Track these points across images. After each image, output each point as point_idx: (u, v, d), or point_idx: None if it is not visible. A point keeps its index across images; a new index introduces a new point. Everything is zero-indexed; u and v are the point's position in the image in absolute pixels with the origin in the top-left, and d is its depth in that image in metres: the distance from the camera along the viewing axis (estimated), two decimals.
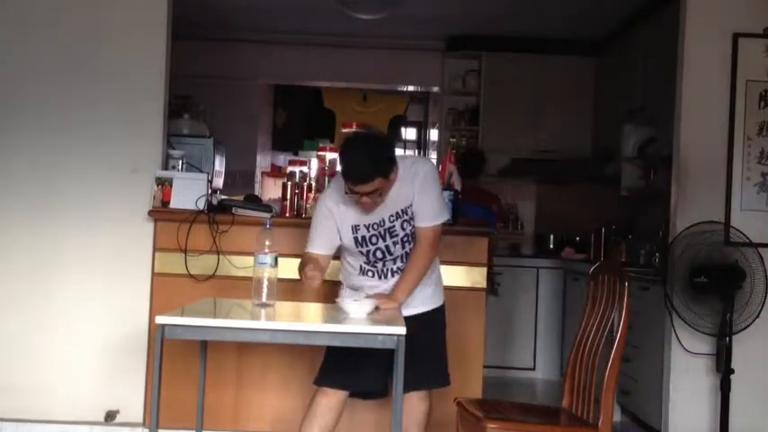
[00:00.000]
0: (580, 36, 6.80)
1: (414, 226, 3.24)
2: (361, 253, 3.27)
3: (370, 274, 3.32)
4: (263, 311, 3.00)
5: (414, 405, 3.31)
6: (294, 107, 8.73)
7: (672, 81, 4.40)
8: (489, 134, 6.97)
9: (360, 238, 3.24)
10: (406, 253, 3.28)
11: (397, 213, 3.22)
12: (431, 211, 3.25)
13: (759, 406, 4.20)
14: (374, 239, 3.24)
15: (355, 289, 3.34)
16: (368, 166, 3.01)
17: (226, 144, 5.89)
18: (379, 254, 3.26)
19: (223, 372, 4.08)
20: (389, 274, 3.31)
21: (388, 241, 3.24)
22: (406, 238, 3.25)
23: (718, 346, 3.98)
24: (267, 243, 3.07)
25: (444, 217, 3.32)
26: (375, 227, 3.22)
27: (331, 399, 3.30)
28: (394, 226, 3.22)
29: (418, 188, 3.21)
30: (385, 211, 3.21)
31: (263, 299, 3.02)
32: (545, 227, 7.09)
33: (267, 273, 3.05)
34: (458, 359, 4.03)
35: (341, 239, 3.27)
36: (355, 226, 3.23)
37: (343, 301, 2.96)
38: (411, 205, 3.22)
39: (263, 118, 7.96)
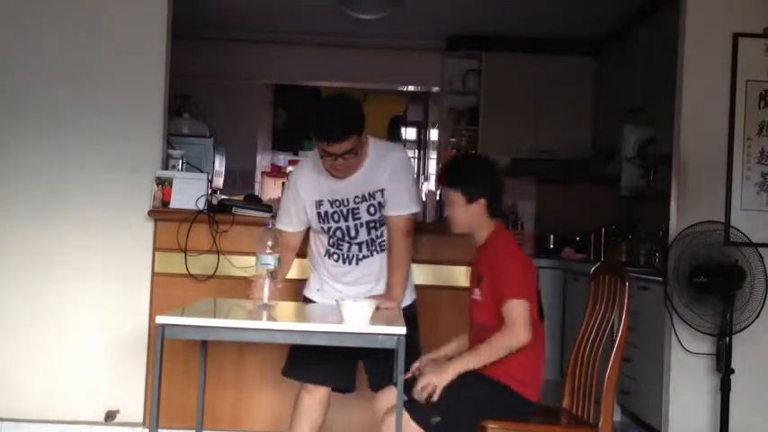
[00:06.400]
0: (580, 36, 6.80)
1: (382, 214, 3.23)
2: (323, 230, 3.27)
3: (335, 257, 3.31)
4: (264, 312, 3.00)
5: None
6: (294, 107, 8.73)
7: (672, 81, 4.40)
8: (489, 134, 6.97)
9: (322, 214, 3.24)
10: (372, 240, 3.27)
11: (364, 196, 3.22)
12: (403, 200, 3.23)
13: (759, 406, 4.20)
14: (336, 216, 3.24)
15: (322, 277, 3.33)
16: (341, 125, 3.03)
17: (226, 144, 5.90)
18: (339, 233, 3.25)
19: (223, 372, 4.08)
20: (354, 260, 3.29)
21: (350, 222, 3.24)
22: (372, 224, 3.25)
23: (718, 346, 3.98)
24: (269, 243, 3.06)
25: (416, 208, 3.30)
26: (338, 204, 3.23)
27: (315, 395, 3.32)
28: (358, 208, 3.22)
29: (390, 175, 3.21)
30: (350, 190, 3.21)
31: (265, 300, 3.02)
32: (545, 227, 7.09)
33: (268, 274, 3.04)
34: None
35: (308, 216, 3.28)
36: (319, 201, 3.24)
37: (343, 302, 2.97)
38: (380, 191, 3.22)
39: (263, 118, 7.97)
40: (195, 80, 6.35)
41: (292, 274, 4.10)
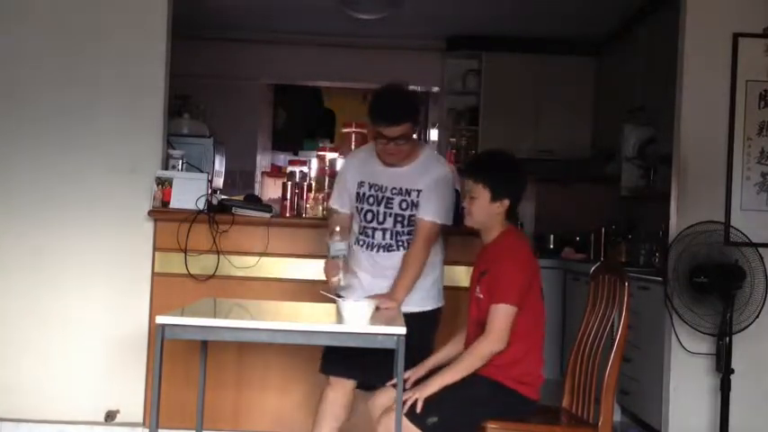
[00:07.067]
0: (580, 36, 6.80)
1: (413, 213, 3.35)
2: (357, 210, 3.41)
3: (360, 242, 3.43)
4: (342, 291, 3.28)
5: None
6: (294, 107, 8.72)
7: (672, 81, 4.40)
8: (489, 134, 6.96)
9: (360, 194, 3.41)
10: (398, 232, 3.37)
11: (401, 190, 3.36)
12: (436, 206, 3.35)
13: (759, 406, 4.20)
14: (371, 200, 3.39)
15: (353, 269, 3.41)
16: (399, 110, 3.24)
17: (226, 144, 5.89)
18: (369, 216, 3.39)
19: (223, 372, 4.08)
20: (377, 248, 3.38)
21: (382, 208, 3.37)
22: (400, 218, 3.36)
23: (718, 346, 3.98)
24: (337, 229, 3.28)
25: (446, 220, 3.40)
26: (376, 188, 3.39)
27: (338, 391, 3.39)
28: (393, 199, 3.36)
29: (431, 183, 3.35)
30: (390, 181, 3.37)
31: (342, 282, 3.27)
32: (545, 227, 7.09)
33: (342, 258, 3.29)
34: None
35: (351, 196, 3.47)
36: (360, 182, 3.42)
37: (343, 302, 2.97)
38: (417, 192, 3.34)
39: (263, 118, 7.96)
40: (195, 80, 6.34)
41: (292, 274, 4.12)
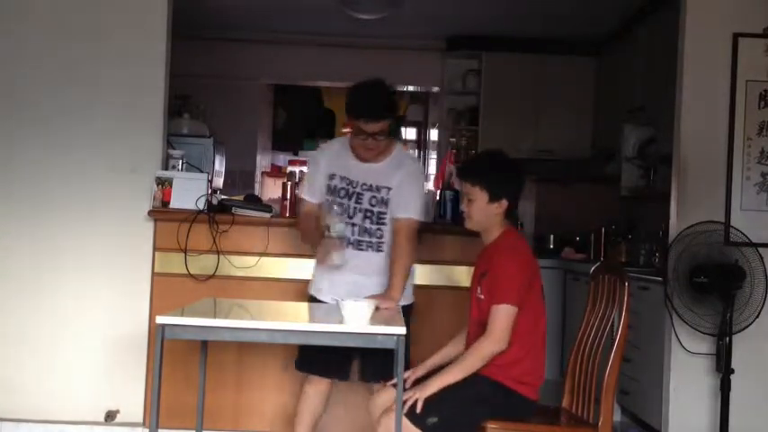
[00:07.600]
0: (580, 36, 6.80)
1: (382, 210, 3.37)
2: (328, 202, 3.42)
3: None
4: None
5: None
6: (294, 107, 8.73)
7: (672, 81, 4.40)
8: (489, 134, 6.96)
9: (332, 186, 3.43)
10: (366, 229, 3.39)
11: (371, 186, 3.39)
12: (410, 203, 3.37)
13: (759, 406, 4.20)
14: (342, 193, 3.41)
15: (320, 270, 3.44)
16: (380, 105, 3.28)
17: (226, 144, 5.90)
18: (340, 210, 3.41)
19: (223, 372, 4.08)
20: (346, 242, 3.38)
21: (352, 203, 3.40)
22: (369, 214, 3.39)
23: (718, 346, 3.98)
24: (337, 210, 3.32)
25: (418, 216, 3.42)
26: (347, 182, 3.40)
27: (317, 385, 3.49)
28: (363, 195, 3.39)
29: (402, 179, 3.37)
30: (361, 176, 3.39)
31: (336, 261, 3.29)
32: (545, 227, 7.09)
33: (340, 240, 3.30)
34: None
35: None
36: (332, 174, 3.43)
37: (342, 302, 2.97)
38: (387, 189, 3.37)
39: (263, 118, 7.96)
40: (195, 80, 6.34)
41: (292, 274, 4.12)
